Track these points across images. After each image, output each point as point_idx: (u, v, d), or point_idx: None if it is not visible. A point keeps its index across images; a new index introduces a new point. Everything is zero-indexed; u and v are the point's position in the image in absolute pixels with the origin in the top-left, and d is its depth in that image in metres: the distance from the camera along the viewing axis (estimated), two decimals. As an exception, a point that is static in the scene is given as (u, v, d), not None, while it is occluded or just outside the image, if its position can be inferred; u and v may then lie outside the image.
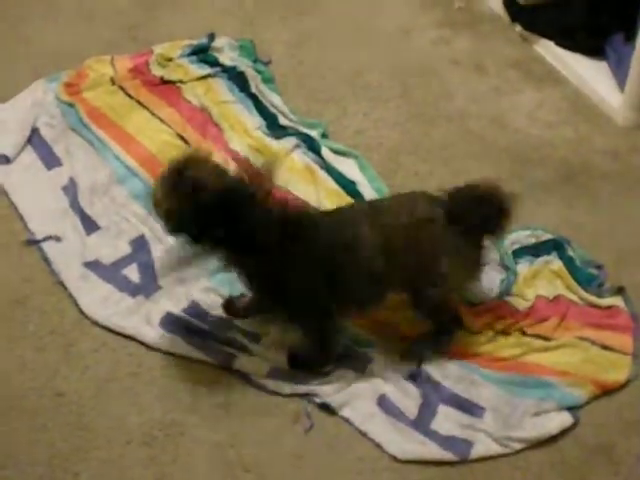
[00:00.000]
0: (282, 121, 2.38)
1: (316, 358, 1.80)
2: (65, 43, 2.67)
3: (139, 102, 2.41)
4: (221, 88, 2.47)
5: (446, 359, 1.81)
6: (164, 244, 2.02)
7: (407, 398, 1.75)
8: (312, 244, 1.68)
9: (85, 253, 2.01)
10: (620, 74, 2.42)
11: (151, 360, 1.82)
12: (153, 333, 1.85)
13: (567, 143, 2.37)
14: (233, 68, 2.52)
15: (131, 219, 2.09)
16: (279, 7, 2.85)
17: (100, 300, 1.92)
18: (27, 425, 1.71)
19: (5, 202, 2.16)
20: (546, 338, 1.84)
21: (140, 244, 2.02)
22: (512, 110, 2.47)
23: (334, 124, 2.40)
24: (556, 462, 1.66)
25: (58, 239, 2.05)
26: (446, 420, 1.72)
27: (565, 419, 1.70)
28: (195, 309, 1.89)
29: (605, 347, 1.82)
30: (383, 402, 1.74)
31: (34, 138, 2.31)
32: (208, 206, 1.59)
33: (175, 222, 1.65)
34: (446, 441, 1.68)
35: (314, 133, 2.32)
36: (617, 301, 1.91)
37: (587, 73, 2.54)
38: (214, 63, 2.53)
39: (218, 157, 2.21)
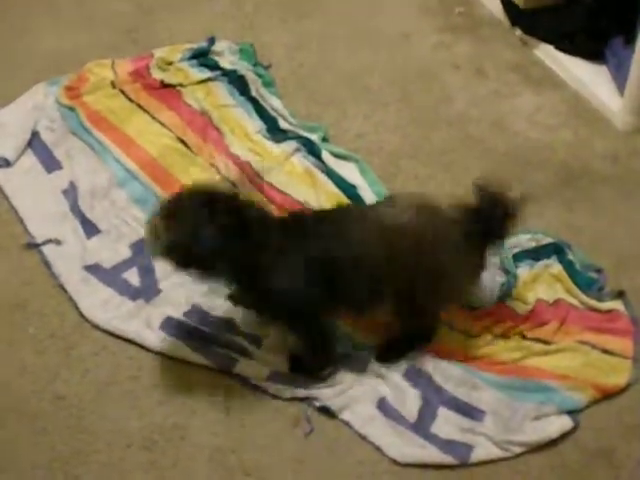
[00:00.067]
0: (282, 125, 2.38)
1: (315, 361, 1.80)
2: (65, 46, 2.67)
3: (139, 106, 2.41)
4: (221, 92, 2.47)
5: (446, 362, 1.80)
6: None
7: (407, 401, 1.75)
8: (310, 249, 1.68)
9: (85, 256, 2.01)
10: (620, 78, 2.42)
11: (151, 364, 1.82)
12: (153, 337, 1.85)
13: (567, 147, 2.37)
14: (233, 72, 2.52)
15: (131, 223, 2.10)
16: (279, 10, 2.86)
17: (100, 303, 1.92)
18: (27, 428, 1.71)
19: (5, 205, 2.16)
20: (546, 342, 1.84)
21: (140, 248, 2.02)
22: (512, 114, 2.47)
23: (334, 128, 2.40)
24: (556, 466, 1.66)
25: (58, 242, 2.05)
26: (446, 423, 1.72)
27: (565, 423, 1.70)
28: (195, 312, 1.90)
29: (605, 351, 1.82)
30: (383, 405, 1.74)
31: (34, 141, 2.31)
32: (213, 233, 1.60)
33: (180, 254, 1.65)
34: (446, 445, 1.68)
35: (314, 137, 2.32)
36: (617, 305, 1.91)
37: (587, 77, 2.54)
38: (214, 67, 2.54)
39: (218, 161, 2.24)
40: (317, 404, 1.74)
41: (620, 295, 1.93)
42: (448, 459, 1.66)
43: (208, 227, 1.60)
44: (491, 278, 1.95)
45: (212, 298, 1.92)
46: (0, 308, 1.93)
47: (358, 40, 2.74)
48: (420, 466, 1.66)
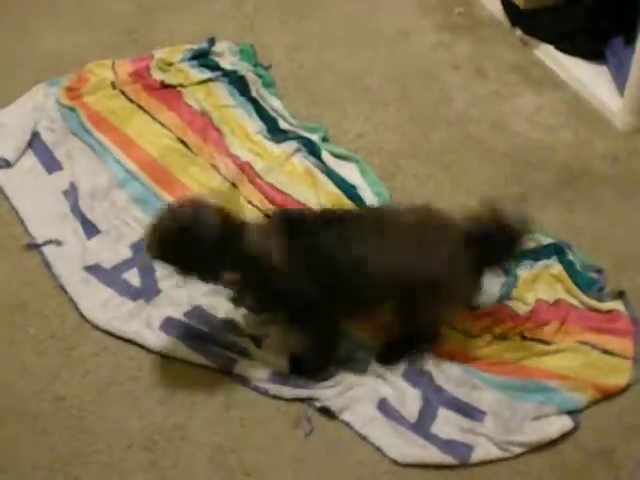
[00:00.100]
0: (282, 125, 2.38)
1: (316, 361, 1.80)
2: (66, 47, 2.67)
3: (140, 106, 2.41)
4: (221, 92, 2.47)
5: (447, 363, 1.80)
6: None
7: (407, 402, 1.75)
8: (314, 249, 1.69)
9: (86, 257, 2.01)
10: (620, 78, 2.42)
11: (152, 364, 1.82)
12: (154, 337, 1.85)
13: (567, 147, 2.37)
14: (233, 72, 2.52)
15: (131, 223, 2.10)
16: (279, 11, 2.86)
17: (101, 304, 1.92)
18: (28, 429, 1.71)
19: (6, 206, 2.16)
20: (546, 342, 1.84)
21: (140, 248, 2.02)
22: (512, 114, 2.47)
23: (334, 128, 2.40)
24: (556, 466, 1.66)
25: (59, 243, 2.05)
26: (446, 424, 1.72)
27: (565, 423, 1.70)
28: (196, 313, 1.89)
29: (605, 351, 1.82)
30: (383, 406, 1.74)
31: (35, 142, 2.32)
32: (206, 242, 1.62)
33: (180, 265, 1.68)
34: (446, 445, 1.68)
35: (314, 137, 2.32)
36: (617, 305, 1.91)
37: (587, 77, 2.54)
38: (214, 67, 2.54)
39: (219, 161, 2.24)
40: (317, 404, 1.74)
41: (620, 295, 1.93)
42: (448, 459, 1.66)
43: (203, 240, 1.62)
44: (491, 278, 1.95)
45: (213, 298, 1.92)
46: (1, 309, 1.93)
47: (358, 41, 2.74)
48: (420, 466, 1.66)
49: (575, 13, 2.60)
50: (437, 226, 1.74)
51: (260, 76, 2.53)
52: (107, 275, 1.98)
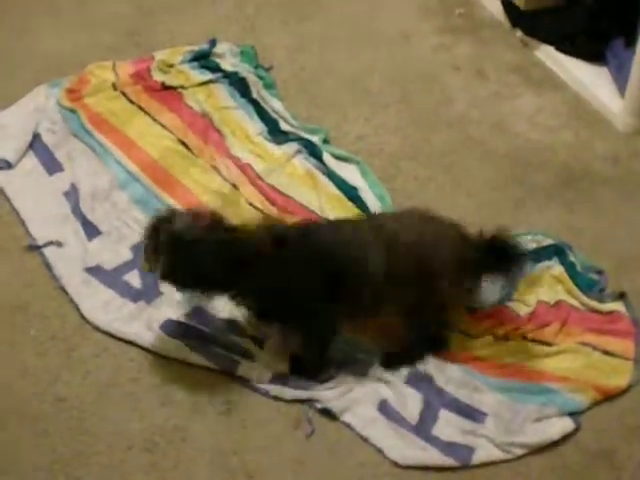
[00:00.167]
0: (283, 127, 2.38)
1: (315, 361, 1.80)
2: (67, 49, 2.67)
3: (140, 108, 2.41)
4: (222, 94, 2.47)
5: (448, 364, 1.80)
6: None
7: (408, 404, 1.74)
8: (314, 254, 1.69)
9: (86, 258, 2.01)
10: (620, 79, 2.43)
11: (152, 365, 1.82)
12: (154, 338, 1.85)
13: (567, 148, 2.37)
14: (234, 74, 2.52)
15: (132, 224, 2.10)
16: (280, 13, 2.86)
17: (101, 305, 1.92)
18: (29, 430, 1.71)
19: (7, 207, 2.16)
20: (547, 344, 1.84)
21: (141, 250, 2.02)
22: (512, 115, 2.47)
23: (335, 129, 2.40)
24: (557, 467, 1.66)
25: (59, 244, 2.05)
26: (447, 426, 1.71)
27: (566, 424, 1.70)
28: (197, 314, 1.89)
29: (606, 352, 1.82)
30: (384, 407, 1.74)
31: (36, 143, 2.32)
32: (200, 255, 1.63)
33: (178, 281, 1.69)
34: (447, 447, 1.68)
35: (315, 139, 2.33)
36: (618, 306, 1.91)
37: (587, 78, 2.54)
38: (215, 69, 2.54)
39: (219, 163, 2.24)
40: (318, 406, 1.73)
41: (621, 296, 1.93)
42: (449, 461, 1.66)
43: (201, 254, 1.63)
44: (492, 280, 1.94)
45: (213, 300, 1.92)
46: (1, 310, 1.93)
47: (359, 42, 2.74)
48: (421, 468, 1.66)
49: (576, 14, 2.60)
50: (437, 226, 1.74)
51: (261, 77, 2.53)
52: (108, 276, 1.98)
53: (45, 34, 2.75)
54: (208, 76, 2.51)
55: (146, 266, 1.72)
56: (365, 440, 1.70)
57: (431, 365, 1.80)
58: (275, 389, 1.76)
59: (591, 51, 2.57)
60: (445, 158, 2.33)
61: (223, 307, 1.89)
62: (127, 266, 2.00)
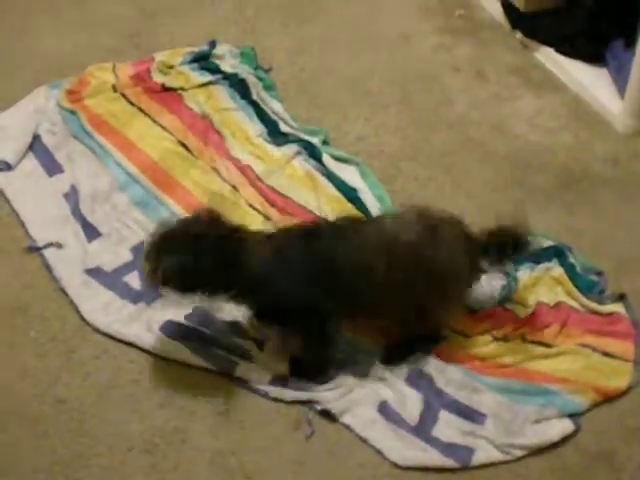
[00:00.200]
0: (283, 128, 2.38)
1: (317, 364, 1.80)
2: (67, 50, 2.68)
3: (140, 109, 2.42)
4: (222, 95, 2.47)
5: (448, 366, 1.80)
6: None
7: (408, 405, 1.74)
8: (313, 255, 1.69)
9: (86, 260, 2.01)
10: (620, 81, 2.43)
11: (152, 367, 1.82)
12: (154, 340, 1.85)
13: (567, 149, 2.37)
14: (234, 75, 2.53)
15: (132, 226, 2.10)
16: (280, 14, 2.86)
17: (101, 307, 1.92)
18: (28, 432, 1.71)
19: (6, 209, 2.16)
20: (547, 345, 1.84)
21: (141, 251, 1.99)
22: (512, 116, 2.47)
23: (335, 131, 2.41)
24: (557, 469, 1.66)
25: (59, 246, 2.05)
26: (447, 427, 1.71)
27: (566, 426, 1.70)
28: (197, 315, 1.89)
29: (606, 354, 1.82)
30: (384, 409, 1.74)
31: (35, 145, 2.32)
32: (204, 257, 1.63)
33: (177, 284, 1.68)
34: (447, 448, 1.68)
35: (315, 140, 2.33)
36: (618, 308, 1.91)
37: (587, 80, 2.54)
38: (215, 70, 2.54)
39: (219, 165, 2.24)
40: (318, 407, 1.73)
41: (621, 298, 1.93)
42: (449, 462, 1.66)
43: (199, 257, 1.63)
44: (491, 281, 1.95)
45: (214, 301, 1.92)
46: (1, 311, 1.93)
47: (359, 44, 2.74)
48: (421, 469, 1.65)
49: (575, 16, 2.60)
50: (436, 225, 1.74)
51: (261, 79, 2.54)
52: (108, 278, 1.98)
53: (45, 35, 2.75)
54: (208, 77, 2.51)
55: (146, 271, 1.72)
56: (365, 441, 1.69)
57: (431, 366, 1.80)
58: (275, 390, 1.76)
59: (591, 52, 2.57)
60: (445, 159, 2.33)
61: (223, 308, 1.89)
62: (127, 267, 2.00)
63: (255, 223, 2.02)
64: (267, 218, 2.11)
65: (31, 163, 2.27)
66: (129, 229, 2.09)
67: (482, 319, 1.89)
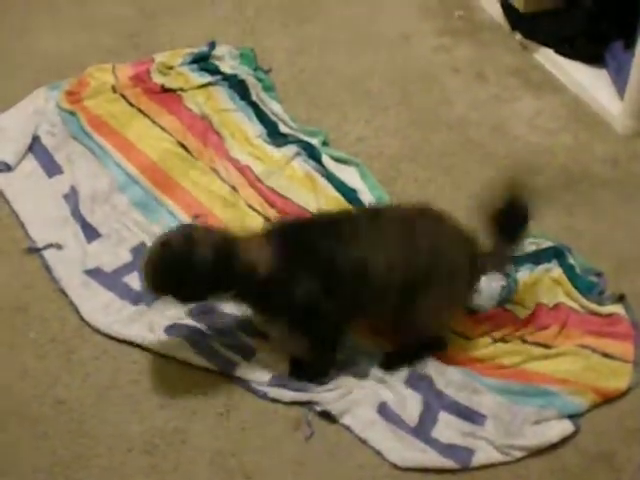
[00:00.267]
0: (283, 129, 2.38)
1: (317, 365, 1.80)
2: (66, 51, 2.68)
3: (140, 110, 2.42)
4: (222, 96, 2.47)
5: (447, 367, 1.80)
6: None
7: (408, 406, 1.74)
8: (312, 254, 1.69)
9: (86, 261, 2.01)
10: (620, 82, 2.43)
11: (152, 367, 1.82)
12: (154, 340, 1.85)
13: (567, 151, 2.37)
14: (234, 76, 2.53)
15: (132, 227, 2.10)
16: (280, 15, 2.86)
17: (101, 307, 1.92)
18: (28, 432, 1.71)
19: (6, 210, 2.16)
20: (546, 346, 1.84)
21: (141, 252, 2.01)
22: (512, 118, 2.47)
23: (335, 131, 2.41)
24: (557, 470, 1.66)
25: (59, 247, 2.05)
26: (447, 428, 1.71)
27: (566, 427, 1.70)
28: (197, 316, 1.89)
29: (606, 355, 1.82)
30: (384, 410, 1.74)
31: (35, 146, 2.32)
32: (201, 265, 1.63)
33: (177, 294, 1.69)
34: (447, 449, 1.68)
35: (315, 141, 2.33)
36: (618, 309, 1.91)
37: (587, 81, 2.54)
38: (215, 71, 2.54)
39: (219, 165, 2.24)
40: (318, 408, 1.73)
41: (620, 299, 1.93)
42: (449, 463, 1.66)
43: (196, 269, 1.63)
44: (491, 282, 1.95)
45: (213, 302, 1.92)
46: (1, 312, 1.93)
47: (359, 44, 2.74)
48: (421, 470, 1.65)
49: (575, 17, 2.60)
50: (436, 225, 1.74)
51: (260, 80, 2.54)
52: (108, 279, 1.98)
53: (45, 35, 2.75)
54: (207, 78, 2.51)
55: (145, 286, 1.73)
56: (364, 442, 1.69)
57: (431, 367, 1.80)
58: (274, 391, 1.76)
59: (590, 53, 2.58)
60: (445, 160, 2.34)
61: (223, 307, 1.89)
62: (127, 268, 2.00)
63: (255, 224, 2.02)
64: (267, 219, 2.11)
65: (31, 164, 2.27)
66: (129, 230, 2.09)
67: (482, 320, 1.89)
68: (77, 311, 1.91)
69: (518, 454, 1.67)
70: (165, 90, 2.48)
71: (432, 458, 1.66)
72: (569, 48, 2.61)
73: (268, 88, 2.52)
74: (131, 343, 1.85)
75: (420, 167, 2.31)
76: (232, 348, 1.83)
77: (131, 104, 2.43)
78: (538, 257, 2.01)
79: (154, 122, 2.38)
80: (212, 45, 2.63)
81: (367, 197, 2.18)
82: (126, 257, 2.03)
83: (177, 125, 2.37)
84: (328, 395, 1.75)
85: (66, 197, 2.17)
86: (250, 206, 2.15)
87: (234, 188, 2.20)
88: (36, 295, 1.96)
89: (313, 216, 2.00)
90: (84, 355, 1.84)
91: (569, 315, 1.90)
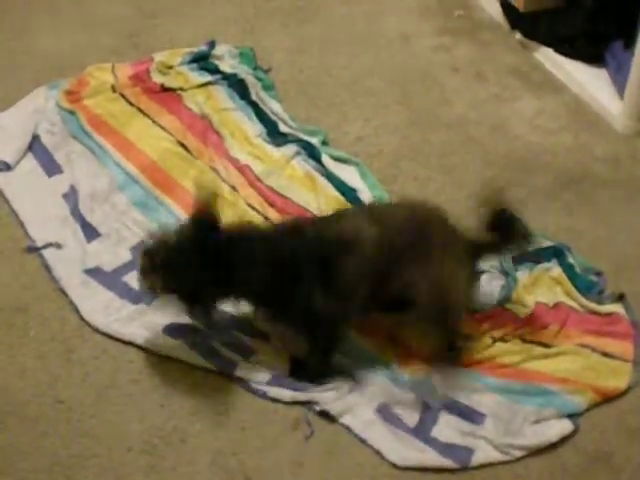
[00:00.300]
0: (282, 128, 2.38)
1: (318, 366, 1.80)
2: (66, 50, 2.68)
3: (140, 109, 2.42)
4: (221, 95, 2.47)
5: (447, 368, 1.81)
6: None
7: (408, 406, 1.74)
8: (311, 253, 1.69)
9: (86, 260, 2.01)
10: (620, 81, 2.43)
11: (152, 367, 1.82)
12: (154, 340, 1.85)
13: (567, 150, 2.37)
14: (233, 75, 2.53)
15: (132, 226, 2.10)
16: (280, 15, 2.86)
17: (101, 307, 1.92)
18: (28, 432, 1.71)
19: (6, 209, 2.16)
20: (546, 345, 1.84)
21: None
22: (512, 117, 2.47)
23: (334, 131, 2.41)
24: (556, 469, 1.66)
25: (59, 246, 2.05)
26: (447, 427, 1.71)
27: (565, 426, 1.70)
28: (198, 312, 1.89)
29: (605, 354, 1.82)
30: (383, 410, 1.73)
31: (35, 145, 2.32)
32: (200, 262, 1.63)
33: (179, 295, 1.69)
34: (446, 448, 1.68)
35: (314, 140, 2.33)
36: (617, 308, 1.91)
37: (587, 80, 2.54)
38: (214, 71, 2.54)
39: (218, 165, 2.24)
40: (317, 408, 1.73)
41: (620, 298, 1.93)
42: (448, 463, 1.66)
43: (194, 267, 1.63)
44: (491, 281, 1.95)
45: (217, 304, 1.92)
46: (1, 312, 1.93)
47: (358, 44, 2.74)
48: (420, 470, 1.65)
49: (575, 16, 2.60)
50: (436, 223, 1.74)
51: (260, 79, 2.54)
52: (107, 278, 1.98)
53: (44, 35, 2.75)
54: (207, 78, 2.51)
55: (142, 285, 1.73)
56: (364, 442, 1.69)
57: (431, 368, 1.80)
58: (274, 390, 1.76)
59: (590, 53, 2.58)
60: (445, 159, 2.34)
61: (222, 308, 1.89)
62: (126, 267, 2.00)
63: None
64: (266, 218, 2.11)
65: (30, 163, 2.27)
66: (128, 229, 2.09)
67: (481, 320, 1.89)
68: (77, 310, 1.91)
69: (517, 453, 1.67)
70: (165, 89, 2.48)
71: (431, 457, 1.66)
72: (569, 47, 2.61)
73: (268, 87, 2.52)
74: (131, 343, 1.85)
75: (420, 166, 2.31)
76: (232, 348, 1.83)
77: (131, 103, 2.43)
78: (538, 256, 2.01)
79: (154, 121, 2.38)
80: (212, 44, 2.63)
81: (367, 196, 2.18)
82: (126, 256, 2.03)
83: (177, 124, 2.37)
84: (327, 395, 1.75)
85: (66, 196, 2.17)
86: (250, 205, 2.15)
87: (234, 187, 2.20)
88: (35, 294, 1.96)
89: (313, 216, 2.00)
90: (84, 354, 1.84)
91: (569, 314, 1.90)
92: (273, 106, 2.45)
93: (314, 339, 1.77)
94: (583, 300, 1.92)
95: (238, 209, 2.13)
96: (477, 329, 1.87)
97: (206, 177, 2.20)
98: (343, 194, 2.18)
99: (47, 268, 2.01)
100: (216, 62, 2.57)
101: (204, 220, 1.67)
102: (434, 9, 2.89)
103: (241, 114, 2.42)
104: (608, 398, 1.76)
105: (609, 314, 1.90)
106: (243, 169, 2.24)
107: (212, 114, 2.39)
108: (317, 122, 2.43)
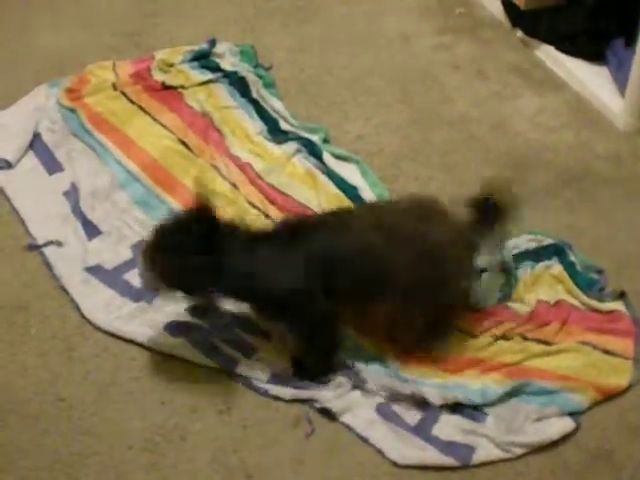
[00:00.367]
0: (283, 126, 2.38)
1: (317, 365, 1.79)
2: (67, 49, 2.68)
3: (141, 107, 2.42)
4: (222, 93, 2.47)
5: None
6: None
7: (408, 405, 1.74)
8: (311, 251, 1.69)
9: (87, 258, 2.01)
10: (621, 79, 2.43)
11: (153, 365, 1.82)
12: (155, 338, 1.85)
13: (568, 148, 2.37)
14: (234, 73, 2.53)
15: (133, 224, 2.10)
16: (280, 13, 2.86)
17: (102, 305, 1.92)
18: (29, 430, 1.71)
19: (6, 207, 2.16)
20: (547, 343, 1.84)
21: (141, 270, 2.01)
22: (513, 115, 2.47)
23: (335, 129, 2.40)
24: (557, 467, 1.66)
25: (59, 244, 2.05)
26: (448, 425, 1.71)
27: (566, 424, 1.70)
28: (197, 312, 1.89)
29: (606, 352, 1.82)
30: (383, 408, 1.73)
31: (36, 143, 2.32)
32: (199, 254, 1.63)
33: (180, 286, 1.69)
34: (447, 446, 1.67)
35: (315, 138, 2.33)
36: (618, 306, 1.91)
37: (588, 78, 2.54)
38: (215, 69, 2.54)
39: (219, 162, 2.24)
40: (318, 406, 1.73)
41: (621, 296, 1.93)
42: (449, 461, 1.66)
43: (193, 255, 1.63)
44: (492, 279, 1.95)
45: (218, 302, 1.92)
46: (1, 309, 1.93)
47: (359, 43, 2.74)
48: (421, 468, 1.65)
49: (576, 14, 2.60)
50: (436, 218, 1.74)
51: (261, 77, 2.54)
52: (108, 276, 1.98)
53: (45, 33, 2.75)
54: (208, 76, 2.51)
55: (142, 271, 1.73)
56: (365, 440, 1.69)
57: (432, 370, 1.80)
58: (275, 388, 1.76)
59: (591, 51, 2.58)
60: (446, 158, 2.33)
61: (223, 306, 1.89)
62: (127, 265, 2.00)
63: (255, 221, 2.02)
64: (267, 216, 2.11)
65: (31, 161, 2.27)
66: (129, 227, 2.09)
67: (482, 318, 1.89)
68: (78, 308, 1.91)
69: (519, 451, 1.67)
70: (166, 87, 2.48)
71: (432, 456, 1.66)
72: (570, 45, 2.60)
73: (268, 85, 2.52)
74: (132, 340, 1.85)
75: (421, 165, 2.31)
76: (233, 346, 1.83)
77: (132, 101, 2.43)
78: (538, 254, 2.01)
79: (155, 119, 2.38)
80: (212, 42, 2.63)
81: (368, 194, 2.18)
82: (127, 254, 2.03)
83: (178, 122, 2.37)
84: (328, 393, 1.75)
85: (66, 194, 2.17)
86: (250, 203, 2.15)
87: (235, 185, 2.20)
88: (36, 292, 1.96)
89: (314, 215, 2.00)
90: (85, 352, 1.84)
91: (570, 312, 1.89)
92: (274, 104, 2.45)
93: (313, 338, 1.77)
94: (584, 298, 1.92)
95: (239, 207, 2.13)
96: (478, 327, 1.87)
97: (205, 176, 2.20)
98: (344, 192, 2.18)
99: (48, 266, 2.01)
100: (217, 60, 2.57)
101: (201, 214, 1.67)
102: (434, 9, 2.89)
103: (242, 112, 2.42)
104: (609, 396, 1.76)
105: (610, 312, 1.90)
106: (244, 167, 2.24)
107: (213, 112, 2.39)
108: (318, 121, 2.43)
